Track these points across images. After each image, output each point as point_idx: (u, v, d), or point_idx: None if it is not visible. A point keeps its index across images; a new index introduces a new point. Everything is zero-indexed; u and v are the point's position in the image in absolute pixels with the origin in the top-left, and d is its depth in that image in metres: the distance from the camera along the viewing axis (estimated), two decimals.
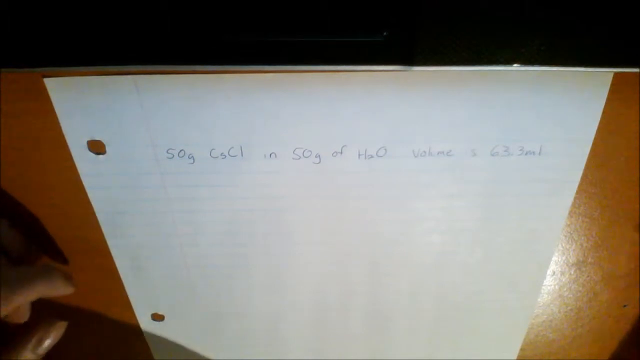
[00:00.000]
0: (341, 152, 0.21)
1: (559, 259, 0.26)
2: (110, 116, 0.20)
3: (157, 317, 0.27)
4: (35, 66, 0.18)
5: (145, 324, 0.27)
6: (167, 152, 0.21)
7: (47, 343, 0.21)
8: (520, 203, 0.23)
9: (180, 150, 0.21)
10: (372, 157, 0.22)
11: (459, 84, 0.20)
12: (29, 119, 0.20)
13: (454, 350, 0.29)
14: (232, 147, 0.21)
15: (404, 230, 0.24)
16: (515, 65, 0.18)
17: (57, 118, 0.20)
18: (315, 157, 0.22)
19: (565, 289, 0.28)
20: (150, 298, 0.26)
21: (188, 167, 0.21)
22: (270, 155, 0.21)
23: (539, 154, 0.22)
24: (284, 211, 0.23)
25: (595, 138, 0.22)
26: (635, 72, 0.19)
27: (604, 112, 0.21)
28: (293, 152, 0.21)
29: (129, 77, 0.19)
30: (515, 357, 0.30)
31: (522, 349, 0.29)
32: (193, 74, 0.19)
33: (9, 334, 0.21)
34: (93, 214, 0.23)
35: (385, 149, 0.21)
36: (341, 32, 0.17)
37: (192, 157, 0.21)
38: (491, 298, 0.27)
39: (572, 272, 0.27)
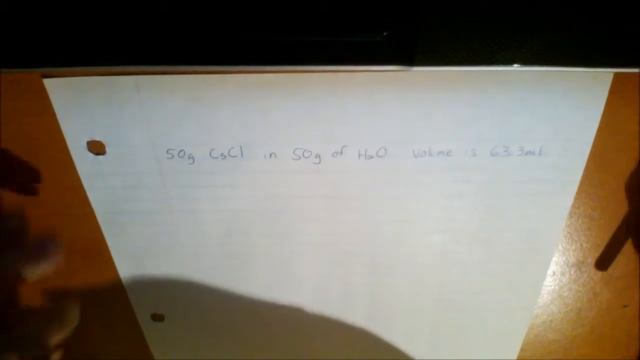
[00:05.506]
0: (341, 152, 0.21)
1: (559, 259, 0.26)
2: (110, 116, 0.20)
3: (157, 317, 0.27)
4: (35, 66, 0.18)
5: (145, 324, 0.27)
6: (167, 152, 0.21)
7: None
8: (520, 203, 0.23)
9: (180, 150, 0.21)
10: (372, 157, 0.22)
11: (459, 84, 0.20)
12: (29, 119, 0.20)
13: (454, 350, 0.29)
14: (232, 147, 0.21)
15: (404, 230, 0.24)
16: (515, 65, 0.18)
17: (57, 118, 0.20)
18: (315, 157, 0.22)
19: (565, 289, 0.28)
20: (150, 298, 0.26)
21: (188, 167, 0.21)
22: (270, 155, 0.21)
23: (539, 154, 0.22)
24: (284, 211, 0.23)
25: (595, 138, 0.22)
26: (635, 72, 0.19)
27: (604, 112, 0.21)
28: (293, 152, 0.21)
29: (129, 77, 0.19)
30: (515, 357, 0.30)
31: (522, 349, 0.29)
32: (193, 74, 0.19)
33: None
34: (93, 214, 0.23)
35: (385, 149, 0.21)
36: (341, 32, 0.17)
37: (192, 157, 0.21)
38: (491, 298, 0.27)
39: (572, 272, 0.27)
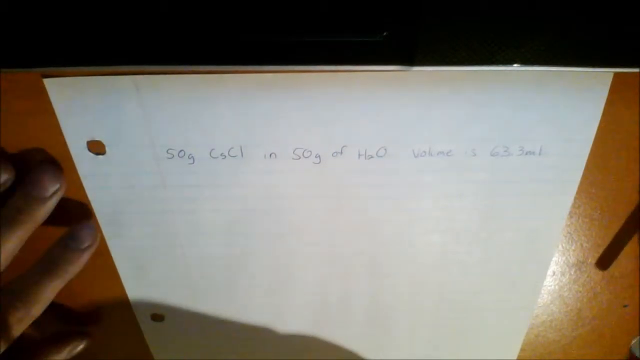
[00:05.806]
0: (341, 152, 0.21)
1: (559, 259, 0.26)
2: (110, 116, 0.20)
3: (157, 317, 0.27)
4: (35, 66, 0.18)
5: (145, 324, 0.27)
6: (167, 152, 0.21)
7: (78, 349, 0.26)
8: (520, 203, 0.23)
9: (180, 150, 0.21)
10: (372, 157, 0.22)
11: (459, 84, 0.20)
12: (28, 119, 0.20)
13: (454, 350, 0.29)
14: (232, 147, 0.21)
15: (404, 230, 0.24)
16: (515, 65, 0.18)
17: (57, 118, 0.20)
18: (315, 157, 0.22)
19: (565, 289, 0.28)
20: (150, 298, 0.26)
21: (188, 167, 0.21)
22: (270, 155, 0.21)
23: (539, 154, 0.22)
24: (284, 211, 0.23)
25: (595, 138, 0.22)
26: (635, 72, 0.19)
27: (604, 112, 0.21)
28: (293, 152, 0.21)
29: (129, 77, 0.19)
30: (515, 357, 0.30)
31: (522, 349, 0.29)
32: (193, 74, 0.19)
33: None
34: (93, 214, 0.23)
35: (385, 149, 0.21)
36: (341, 32, 0.17)
37: (192, 157, 0.21)
38: (491, 298, 0.27)
39: (572, 272, 0.27)
